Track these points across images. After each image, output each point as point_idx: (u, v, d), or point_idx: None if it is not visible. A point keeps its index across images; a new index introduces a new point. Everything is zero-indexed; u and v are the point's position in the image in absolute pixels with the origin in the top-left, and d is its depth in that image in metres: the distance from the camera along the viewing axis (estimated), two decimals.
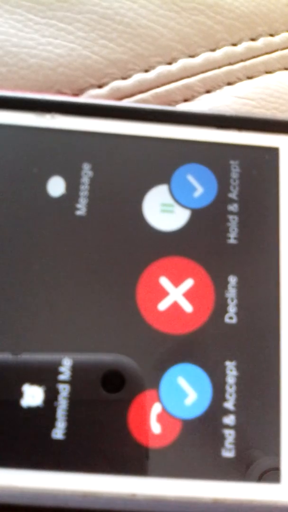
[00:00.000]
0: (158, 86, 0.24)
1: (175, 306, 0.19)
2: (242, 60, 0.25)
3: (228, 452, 0.17)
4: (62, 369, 0.18)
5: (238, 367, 0.18)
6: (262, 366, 0.18)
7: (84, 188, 0.20)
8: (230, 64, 0.25)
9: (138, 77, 0.24)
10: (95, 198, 0.20)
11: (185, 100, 0.24)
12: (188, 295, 0.19)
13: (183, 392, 0.18)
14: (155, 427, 0.18)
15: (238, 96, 0.24)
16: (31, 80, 0.23)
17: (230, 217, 0.20)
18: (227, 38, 0.25)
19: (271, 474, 0.17)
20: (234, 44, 0.25)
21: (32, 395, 0.18)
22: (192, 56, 0.25)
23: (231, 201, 0.20)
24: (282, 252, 0.20)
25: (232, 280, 0.19)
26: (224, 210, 0.20)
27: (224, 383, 0.18)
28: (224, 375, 0.18)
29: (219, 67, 0.25)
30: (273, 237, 0.20)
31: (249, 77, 0.25)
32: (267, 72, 0.25)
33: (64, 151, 0.20)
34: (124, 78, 0.24)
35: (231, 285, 0.19)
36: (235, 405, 0.18)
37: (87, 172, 0.20)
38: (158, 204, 0.20)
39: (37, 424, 0.17)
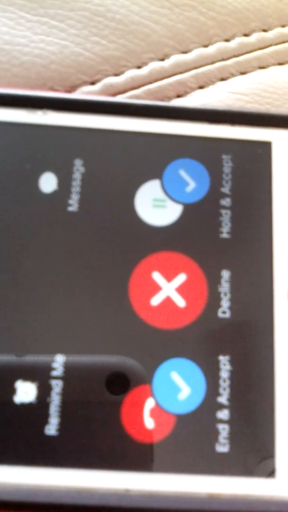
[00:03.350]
0: (150, 82, 0.24)
1: (168, 301, 0.19)
2: (235, 56, 0.25)
3: (222, 446, 0.17)
4: (55, 365, 0.18)
5: (231, 362, 0.18)
6: (255, 360, 0.18)
7: (76, 184, 0.20)
8: (223, 59, 0.25)
9: (130, 74, 0.24)
10: (87, 194, 0.20)
11: (178, 96, 0.24)
12: (181, 289, 0.19)
13: (177, 387, 0.18)
14: (149, 422, 0.18)
15: (232, 92, 0.24)
16: (24, 78, 0.23)
17: (223, 211, 0.20)
18: (220, 34, 0.25)
19: (265, 469, 0.17)
20: (227, 40, 0.25)
21: (25, 391, 0.18)
22: (184, 52, 0.25)
23: (224, 195, 0.20)
24: (275, 246, 0.19)
25: (225, 274, 0.19)
26: (217, 205, 0.20)
27: (217, 377, 0.18)
28: (217, 369, 0.18)
29: (212, 62, 0.25)
30: (266, 231, 0.20)
31: (243, 73, 0.25)
32: (260, 68, 0.25)
33: (56, 147, 0.20)
34: (116, 75, 0.24)
35: (224, 279, 0.19)
36: (229, 399, 0.18)
37: (79, 168, 0.20)
38: (150, 199, 0.20)
39: (30, 420, 0.17)
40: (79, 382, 0.18)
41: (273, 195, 0.20)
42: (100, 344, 0.18)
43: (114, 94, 0.24)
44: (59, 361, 0.18)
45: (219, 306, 0.19)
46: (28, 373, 0.18)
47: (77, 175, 0.20)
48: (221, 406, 0.18)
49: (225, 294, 0.19)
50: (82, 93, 0.23)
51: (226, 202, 0.20)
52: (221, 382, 0.18)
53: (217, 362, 0.18)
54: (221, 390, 0.18)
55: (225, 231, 0.20)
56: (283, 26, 0.27)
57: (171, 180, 0.20)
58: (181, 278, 0.19)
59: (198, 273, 0.19)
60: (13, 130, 0.20)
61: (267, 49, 0.26)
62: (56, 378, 0.18)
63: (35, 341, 0.18)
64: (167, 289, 0.19)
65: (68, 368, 0.18)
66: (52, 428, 0.17)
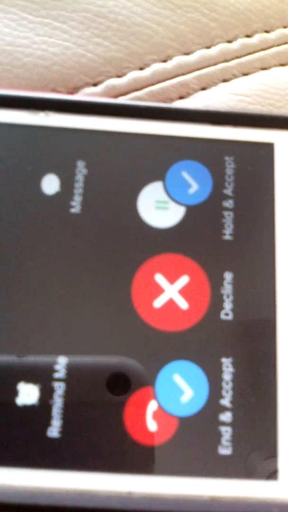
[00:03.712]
0: (153, 84, 0.24)
1: (170, 303, 0.19)
2: (237, 57, 0.25)
3: (225, 449, 0.17)
4: (57, 367, 0.18)
5: (234, 364, 0.18)
6: (258, 362, 0.18)
7: (78, 185, 0.20)
8: (225, 61, 0.25)
9: (133, 75, 0.24)
10: (89, 196, 0.20)
11: (181, 98, 0.24)
12: (183, 292, 0.19)
13: (179, 389, 0.18)
14: (151, 425, 0.17)
15: (234, 93, 0.24)
16: (26, 79, 0.23)
17: (225, 213, 0.20)
18: (222, 35, 0.25)
19: (268, 471, 0.17)
20: (229, 41, 0.25)
21: (28, 394, 0.18)
22: (187, 54, 0.25)
23: (226, 197, 0.20)
24: (277, 248, 0.19)
25: (228, 276, 0.19)
26: (219, 207, 0.20)
27: (220, 380, 0.18)
28: (220, 372, 0.18)
29: (214, 64, 0.25)
30: (269, 233, 0.20)
31: (245, 74, 0.25)
32: (262, 69, 0.25)
33: (58, 148, 0.20)
34: (119, 76, 0.24)
35: (226, 281, 0.19)
36: (231, 402, 0.18)
37: (81, 169, 0.20)
38: (153, 201, 0.20)
39: (32, 422, 0.17)
40: (81, 384, 0.18)
41: (276, 196, 0.20)
42: (103, 346, 0.18)
43: (116, 96, 0.24)
44: (61, 363, 0.18)
45: (221, 308, 0.19)
46: (31, 375, 0.18)
47: (79, 177, 0.20)
48: (223, 409, 0.18)
49: (228, 296, 0.19)
50: (84, 95, 0.23)
51: (228, 203, 0.20)
52: (223, 384, 0.18)
53: (220, 365, 0.18)
54: (223, 393, 0.18)
55: (227, 233, 0.20)
56: (285, 27, 0.27)
57: (174, 182, 0.20)
58: (183, 280, 0.19)
59: (200, 275, 0.19)
60: (15, 132, 0.20)
61: (269, 50, 0.26)
62: (58, 380, 0.18)
63: (38, 343, 0.18)
64: (170, 291, 0.19)
65: (71, 370, 0.18)
66: (54, 430, 0.17)
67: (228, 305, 0.19)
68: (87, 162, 0.20)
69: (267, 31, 0.26)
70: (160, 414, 0.18)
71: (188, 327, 0.19)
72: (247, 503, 0.17)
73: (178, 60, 0.25)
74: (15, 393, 0.18)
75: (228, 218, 0.20)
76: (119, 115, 0.21)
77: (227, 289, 0.19)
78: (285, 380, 0.18)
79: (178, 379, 0.18)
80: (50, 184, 0.20)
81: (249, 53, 0.25)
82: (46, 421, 0.17)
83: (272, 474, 0.17)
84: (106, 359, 0.18)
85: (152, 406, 0.18)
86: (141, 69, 0.24)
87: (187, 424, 0.18)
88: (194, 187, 0.20)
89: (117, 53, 0.24)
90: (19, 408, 0.17)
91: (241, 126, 0.21)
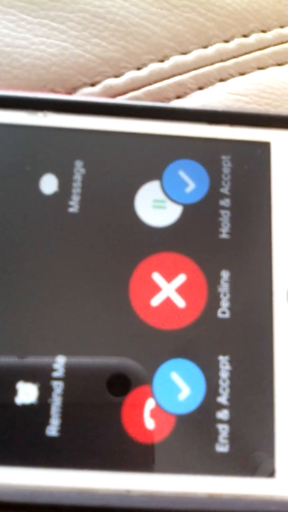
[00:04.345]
0: (150, 84, 0.24)
1: (168, 301, 0.19)
2: (234, 57, 0.25)
3: (222, 446, 0.17)
4: (56, 366, 0.18)
5: (231, 362, 0.18)
6: (255, 360, 0.18)
7: (76, 185, 0.20)
8: (222, 60, 0.25)
9: (130, 75, 0.24)
10: (87, 195, 0.20)
11: (178, 97, 0.24)
12: (180, 290, 0.19)
13: (177, 387, 0.18)
14: (149, 423, 0.18)
15: (231, 93, 0.24)
16: (24, 80, 0.23)
17: (222, 212, 0.20)
18: (219, 35, 0.25)
19: (265, 469, 0.17)
20: (226, 41, 0.25)
21: (26, 393, 0.18)
22: (184, 53, 0.25)
23: (223, 196, 0.20)
24: (274, 246, 0.19)
25: (225, 275, 0.19)
26: (216, 205, 0.20)
27: (217, 377, 0.18)
28: (217, 369, 0.18)
29: (211, 63, 0.25)
30: (265, 232, 0.20)
31: (242, 74, 0.25)
32: (259, 68, 0.25)
33: (56, 148, 0.20)
34: (116, 76, 0.24)
35: (223, 279, 0.19)
36: (228, 399, 0.18)
37: (79, 169, 0.20)
38: (150, 200, 0.20)
39: (31, 421, 0.17)
40: (80, 383, 0.18)
41: (272, 195, 0.20)
42: (101, 345, 0.18)
43: (114, 96, 0.24)
44: (60, 362, 0.18)
45: (218, 306, 0.19)
46: (29, 374, 0.18)
47: (77, 177, 0.20)
48: (220, 406, 0.18)
49: (225, 295, 0.19)
50: (83, 95, 0.23)
51: (225, 202, 0.20)
52: (220, 382, 0.18)
53: (217, 362, 0.18)
54: (220, 390, 0.18)
55: (224, 231, 0.20)
56: (281, 27, 0.27)
57: (171, 181, 0.20)
58: (181, 278, 0.19)
59: (197, 274, 0.19)
60: (14, 132, 0.20)
61: (266, 50, 0.26)
62: (57, 379, 0.18)
63: (36, 342, 0.18)
64: (167, 290, 0.19)
65: (69, 369, 0.18)
66: (53, 429, 0.17)
67: (225, 303, 0.19)
68: (85, 162, 0.20)
69: (264, 31, 0.26)
70: (157, 412, 0.18)
71: (185, 326, 0.19)
72: (245, 500, 0.17)
73: (175, 60, 0.25)
74: (14, 392, 0.18)
75: (225, 217, 0.20)
76: (117, 115, 0.21)
77: (224, 287, 0.19)
78: (281, 378, 0.18)
79: (175, 377, 0.18)
80: (48, 184, 0.20)
81: (246, 53, 0.25)
82: (45, 420, 0.17)
83: (269, 472, 0.17)
84: (104, 358, 0.18)
85: (150, 404, 0.18)
86: (139, 69, 0.24)
87: (184, 422, 0.18)
88: (191, 186, 0.20)
89: (115, 53, 0.24)
90: (18, 407, 0.17)
91: (238, 125, 0.21)
